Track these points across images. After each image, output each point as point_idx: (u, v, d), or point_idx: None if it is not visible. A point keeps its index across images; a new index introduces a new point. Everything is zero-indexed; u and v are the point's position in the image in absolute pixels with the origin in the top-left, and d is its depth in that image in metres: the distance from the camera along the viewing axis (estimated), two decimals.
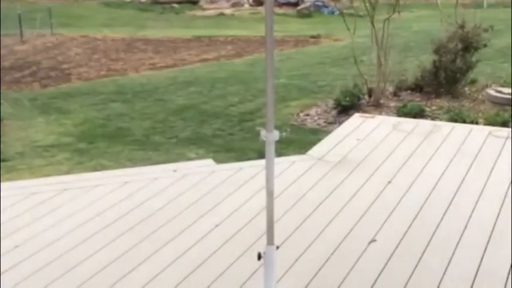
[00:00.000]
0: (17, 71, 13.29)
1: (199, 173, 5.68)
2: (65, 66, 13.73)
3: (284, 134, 3.42)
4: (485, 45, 9.38)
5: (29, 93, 11.19)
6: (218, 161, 6.37)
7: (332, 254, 4.26)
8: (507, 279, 3.94)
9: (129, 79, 12.11)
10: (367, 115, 7.54)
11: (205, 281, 3.93)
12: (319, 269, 4.07)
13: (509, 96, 8.72)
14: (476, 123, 7.72)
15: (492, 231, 4.53)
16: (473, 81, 9.71)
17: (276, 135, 3.36)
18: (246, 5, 28.37)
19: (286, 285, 3.84)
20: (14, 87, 11.77)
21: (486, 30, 9.30)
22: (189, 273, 4.03)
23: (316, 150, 6.32)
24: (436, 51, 9.33)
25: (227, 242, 4.44)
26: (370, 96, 8.97)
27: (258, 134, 3.41)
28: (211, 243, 4.42)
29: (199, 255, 4.25)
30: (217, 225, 4.68)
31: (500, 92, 8.99)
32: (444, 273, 4.00)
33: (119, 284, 3.93)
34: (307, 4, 26.43)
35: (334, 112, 8.62)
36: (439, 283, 3.90)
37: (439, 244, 4.39)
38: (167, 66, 13.56)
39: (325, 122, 8.40)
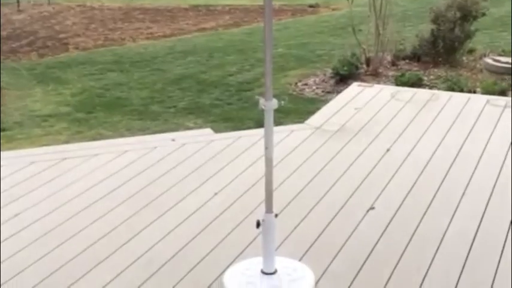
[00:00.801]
0: (15, 40, 13.20)
1: (198, 142, 5.69)
2: (62, 35, 13.64)
3: (283, 102, 3.43)
4: (483, 14, 9.34)
5: (26, 62, 11.14)
6: (217, 130, 6.37)
7: (330, 221, 4.28)
8: (505, 240, 3.98)
9: (127, 48, 12.05)
10: (365, 84, 7.53)
11: (204, 249, 3.95)
12: (318, 237, 4.09)
13: (507, 65, 8.70)
14: (474, 92, 7.71)
15: (490, 198, 4.56)
16: (471, 51, 9.68)
17: (274, 103, 3.37)
18: None
19: (285, 252, 3.86)
20: (12, 56, 11.71)
21: None
22: (189, 241, 4.05)
23: (315, 119, 6.32)
24: (434, 20, 9.28)
25: (226, 210, 4.46)
26: (368, 65, 8.95)
27: (256, 103, 3.41)
28: (210, 211, 4.44)
29: (199, 223, 4.27)
30: (216, 194, 4.70)
31: (498, 61, 8.97)
32: (442, 239, 4.03)
33: (120, 251, 3.96)
34: None
35: (332, 81, 8.60)
36: (437, 248, 3.93)
37: (438, 210, 4.41)
38: (165, 36, 13.48)
39: (323, 91, 8.39)
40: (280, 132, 5.76)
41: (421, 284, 3.59)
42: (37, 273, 3.73)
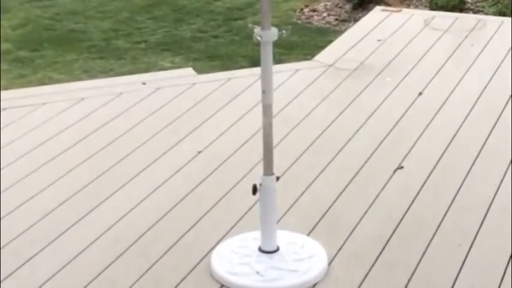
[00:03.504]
0: None
1: (176, 86, 5.68)
2: None
3: (285, 32, 3.41)
4: None
5: None
6: (200, 70, 6.35)
7: (347, 185, 4.30)
8: None
9: None
10: (391, 9, 7.48)
11: (186, 222, 3.98)
12: (331, 205, 4.12)
13: None
14: None
15: None
16: None
17: (273, 33, 3.35)
18: None
19: (289, 225, 3.89)
20: None
21: None
22: (166, 212, 4.07)
23: (326, 54, 6.30)
24: None
25: (213, 172, 4.47)
26: None
27: (250, 35, 3.40)
28: (193, 175, 4.45)
29: (178, 190, 4.29)
30: (200, 152, 4.71)
31: None
32: (488, 208, 4.06)
33: (80, 224, 3.98)
34: None
35: (348, 6, 8.55)
36: (482, 221, 3.95)
37: (483, 171, 4.44)
38: None
39: (336, 19, 8.35)
40: (282, 72, 5.74)
41: (463, 264, 3.62)
42: None
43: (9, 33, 8.35)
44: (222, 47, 7.61)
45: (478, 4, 8.47)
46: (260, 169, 3.59)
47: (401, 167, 4.48)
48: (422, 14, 7.30)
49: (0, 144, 4.82)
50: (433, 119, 5.08)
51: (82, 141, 4.89)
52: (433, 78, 5.73)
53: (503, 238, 3.81)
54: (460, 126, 4.97)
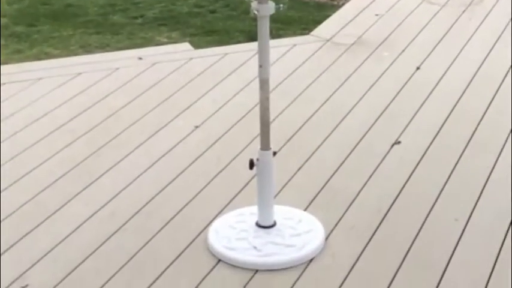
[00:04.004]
0: None
1: (173, 61, 5.67)
2: None
3: (282, 6, 3.40)
4: None
5: None
6: (197, 45, 6.33)
7: (344, 160, 4.30)
8: None
9: None
10: None
11: (183, 197, 3.98)
12: (328, 180, 4.12)
13: None
14: None
15: None
16: None
17: (270, 7, 3.35)
18: None
19: (286, 200, 3.89)
20: None
21: None
22: (163, 188, 4.07)
23: (323, 29, 6.28)
24: None
25: (210, 147, 4.47)
26: None
27: (247, 10, 3.39)
28: (189, 150, 4.45)
29: (175, 165, 4.28)
30: (197, 127, 4.70)
31: None
32: (487, 181, 4.06)
33: (76, 200, 3.99)
34: None
35: None
36: (480, 193, 3.96)
37: (481, 145, 4.44)
38: None
39: None
40: (279, 47, 5.74)
41: (460, 238, 3.62)
42: None
43: (5, 8, 8.31)
44: (219, 22, 7.58)
45: None
46: (257, 144, 3.59)
47: (399, 142, 4.48)
48: None
49: None
50: (430, 93, 5.07)
51: (79, 116, 4.88)
52: (431, 52, 5.72)
53: (500, 212, 3.81)
54: (458, 100, 4.97)
